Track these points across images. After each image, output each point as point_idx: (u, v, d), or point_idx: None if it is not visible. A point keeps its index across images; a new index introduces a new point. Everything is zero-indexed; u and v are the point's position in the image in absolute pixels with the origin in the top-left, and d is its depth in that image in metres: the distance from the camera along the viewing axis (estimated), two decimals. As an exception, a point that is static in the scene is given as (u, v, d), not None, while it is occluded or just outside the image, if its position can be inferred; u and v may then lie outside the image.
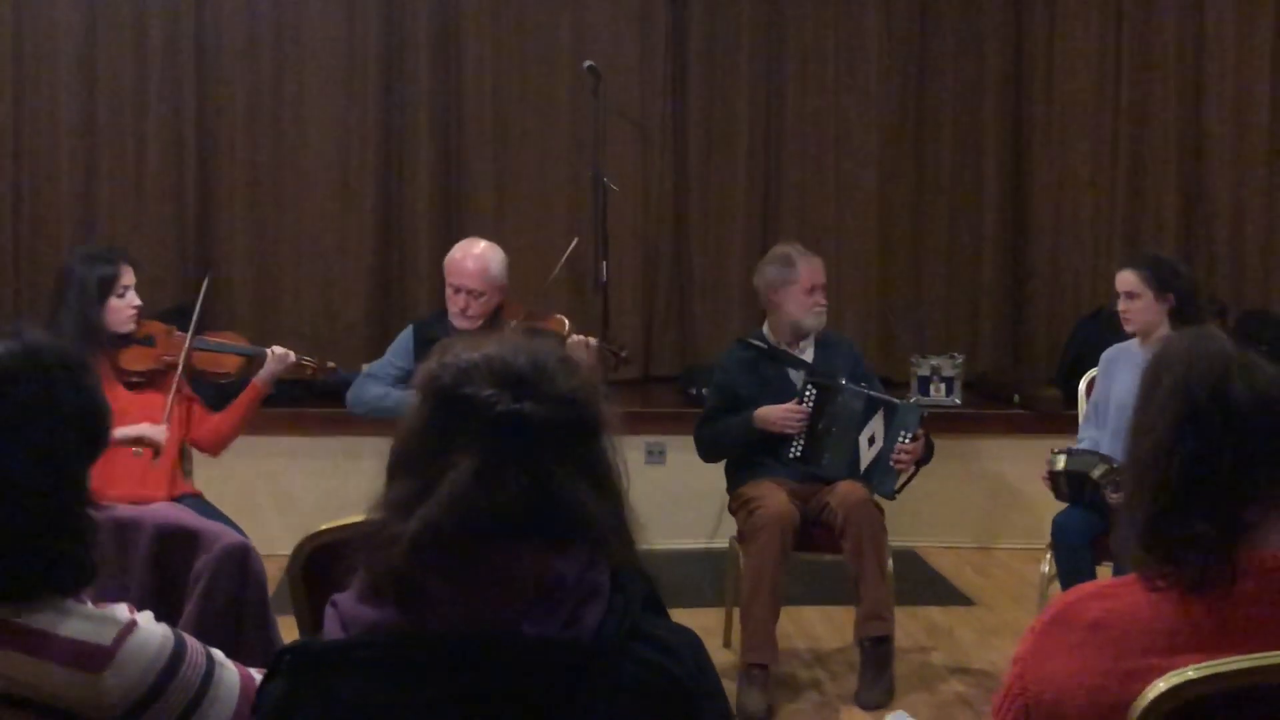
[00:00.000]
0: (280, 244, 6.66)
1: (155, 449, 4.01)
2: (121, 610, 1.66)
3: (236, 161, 6.62)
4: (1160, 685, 1.56)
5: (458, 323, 4.49)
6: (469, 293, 4.48)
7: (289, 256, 6.66)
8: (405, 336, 4.68)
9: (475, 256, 4.52)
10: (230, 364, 4.37)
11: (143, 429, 3.98)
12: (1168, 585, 1.60)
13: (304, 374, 4.51)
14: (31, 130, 6.53)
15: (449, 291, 4.52)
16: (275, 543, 5.35)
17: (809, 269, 4.58)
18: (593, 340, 4.59)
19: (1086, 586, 1.72)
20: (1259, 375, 1.63)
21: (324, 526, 2.35)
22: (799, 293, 4.58)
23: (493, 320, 4.50)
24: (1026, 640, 1.68)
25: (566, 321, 4.68)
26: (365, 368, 5.03)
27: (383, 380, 4.56)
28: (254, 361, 4.40)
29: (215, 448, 4.35)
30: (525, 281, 5.06)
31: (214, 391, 4.48)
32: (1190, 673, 1.56)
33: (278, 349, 4.36)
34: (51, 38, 6.49)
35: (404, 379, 4.45)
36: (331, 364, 4.61)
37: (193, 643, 1.69)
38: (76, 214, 6.53)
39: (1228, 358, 1.64)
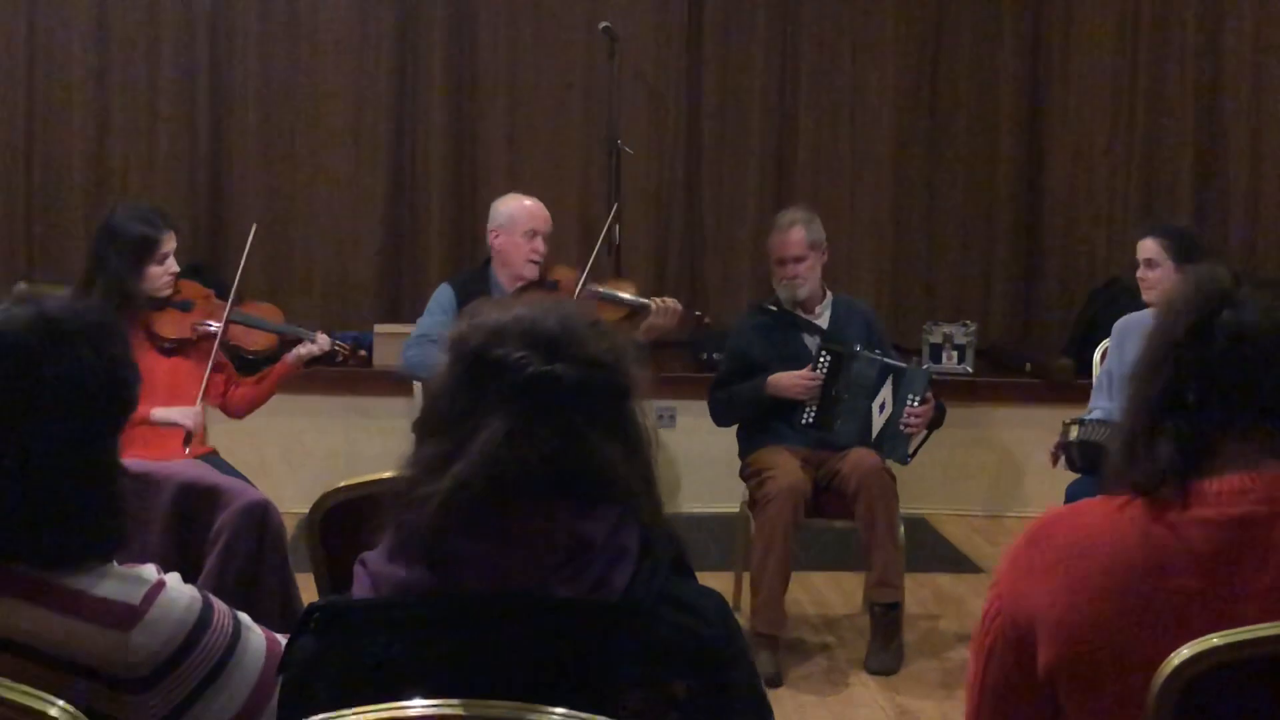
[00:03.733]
0: (292, 205, 6.63)
1: (187, 436, 3.97)
2: (150, 570, 1.65)
3: (249, 122, 6.59)
4: (1184, 652, 1.55)
5: (529, 271, 4.61)
6: (545, 236, 4.65)
7: (301, 217, 6.63)
8: (446, 296, 4.64)
9: (537, 202, 4.72)
10: (263, 341, 4.32)
11: (174, 416, 3.94)
12: (1126, 495, 1.65)
13: (334, 359, 4.48)
14: (45, 88, 6.50)
15: (522, 240, 4.62)
16: (287, 500, 5.36)
17: (778, 240, 4.57)
18: (675, 303, 4.65)
19: (1059, 509, 1.77)
20: (1248, 311, 1.64)
21: (342, 483, 2.35)
22: (773, 263, 4.59)
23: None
24: (1003, 564, 1.72)
25: (634, 285, 4.87)
26: (417, 325, 4.89)
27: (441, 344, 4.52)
28: (286, 340, 4.37)
29: (241, 415, 4.37)
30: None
31: (237, 361, 4.43)
32: (1215, 639, 1.55)
33: (320, 336, 4.32)
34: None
35: None
36: (363, 351, 4.59)
37: (219, 606, 1.68)
38: (88, 173, 6.50)
39: (1221, 292, 1.66)
